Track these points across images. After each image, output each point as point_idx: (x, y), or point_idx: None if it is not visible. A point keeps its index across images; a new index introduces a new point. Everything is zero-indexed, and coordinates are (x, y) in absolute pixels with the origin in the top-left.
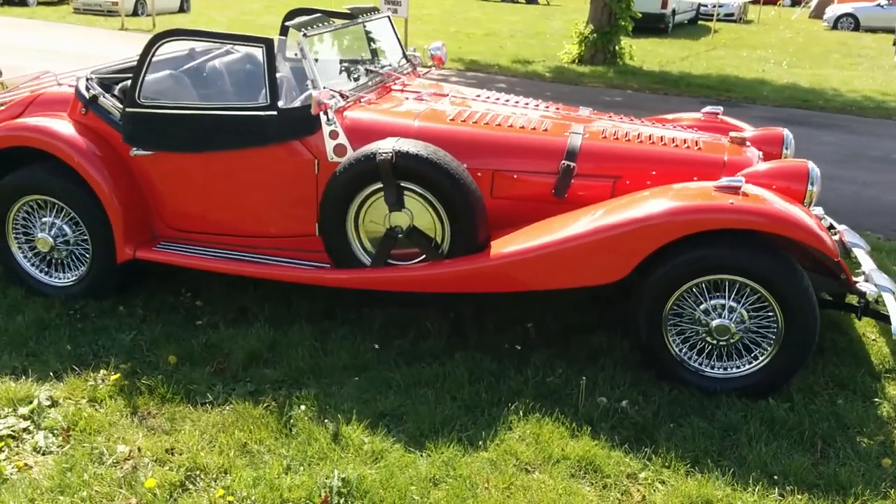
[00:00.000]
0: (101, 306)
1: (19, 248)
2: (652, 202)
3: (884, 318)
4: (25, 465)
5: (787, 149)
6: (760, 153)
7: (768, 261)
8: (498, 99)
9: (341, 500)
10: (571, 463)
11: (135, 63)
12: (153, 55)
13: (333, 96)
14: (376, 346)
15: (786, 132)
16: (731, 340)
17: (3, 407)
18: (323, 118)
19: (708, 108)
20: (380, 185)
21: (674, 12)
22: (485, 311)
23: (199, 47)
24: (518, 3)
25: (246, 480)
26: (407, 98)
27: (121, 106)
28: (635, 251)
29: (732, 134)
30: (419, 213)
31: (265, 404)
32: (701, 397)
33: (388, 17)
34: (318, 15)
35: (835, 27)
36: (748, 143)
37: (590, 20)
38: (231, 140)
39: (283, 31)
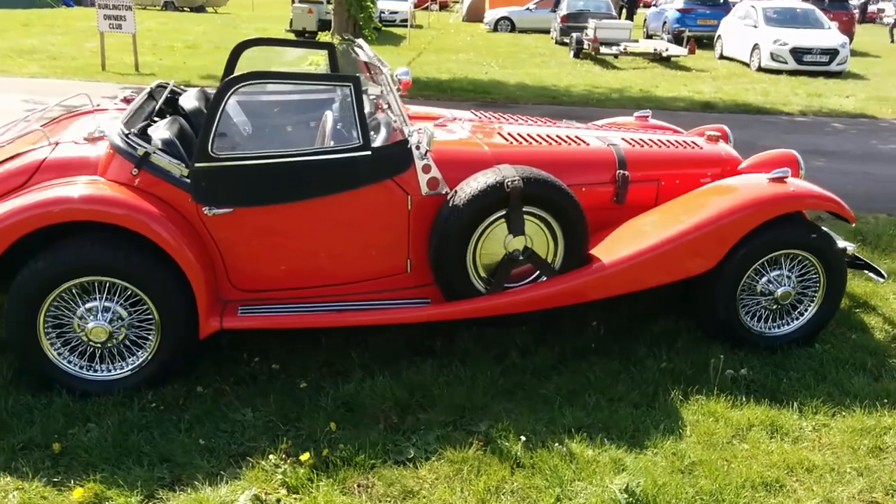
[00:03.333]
0: (174, 393)
1: (51, 344)
2: (732, 196)
3: (866, 267)
4: None
5: (730, 141)
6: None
7: (816, 234)
8: (499, 118)
9: None
10: (759, 428)
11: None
12: (227, 102)
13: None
14: (498, 371)
15: (727, 128)
16: (787, 303)
17: None
18: (416, 153)
19: (639, 113)
20: (501, 214)
21: None
22: (549, 321)
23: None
24: (183, 10)
25: None
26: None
27: (177, 161)
28: (728, 240)
29: (708, 133)
30: (534, 234)
31: (472, 447)
32: (770, 354)
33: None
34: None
35: (495, 29)
36: (721, 140)
37: (335, 31)
38: (323, 186)
39: (230, 66)
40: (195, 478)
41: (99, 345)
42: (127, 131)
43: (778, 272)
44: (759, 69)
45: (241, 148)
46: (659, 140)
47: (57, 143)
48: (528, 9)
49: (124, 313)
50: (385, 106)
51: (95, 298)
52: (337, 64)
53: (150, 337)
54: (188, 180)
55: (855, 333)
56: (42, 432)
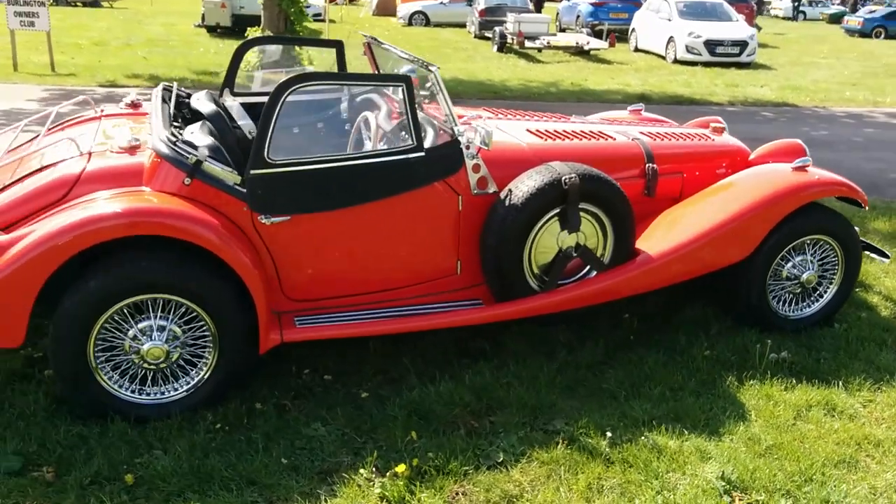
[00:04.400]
0: (236, 412)
1: (101, 368)
2: (766, 186)
3: (868, 248)
4: None
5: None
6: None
7: (836, 219)
8: (515, 115)
9: (738, 495)
10: (817, 408)
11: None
12: (283, 105)
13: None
14: (554, 369)
15: (720, 118)
16: (811, 286)
17: None
18: (467, 153)
19: (632, 106)
20: (556, 212)
21: None
22: (583, 316)
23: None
24: (76, 6)
25: None
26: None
27: (230, 168)
28: (765, 227)
29: (713, 125)
30: (586, 230)
31: (558, 446)
32: (798, 335)
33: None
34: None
35: (410, 24)
36: (726, 130)
37: (265, 26)
38: (379, 189)
39: (233, 66)
40: (289, 499)
41: (153, 366)
42: (174, 138)
43: (802, 257)
44: (676, 61)
45: (292, 153)
46: (675, 133)
47: (90, 153)
48: (442, 3)
49: (179, 331)
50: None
51: (148, 317)
52: (344, 63)
53: (204, 355)
54: (243, 188)
55: (863, 312)
56: (108, 464)
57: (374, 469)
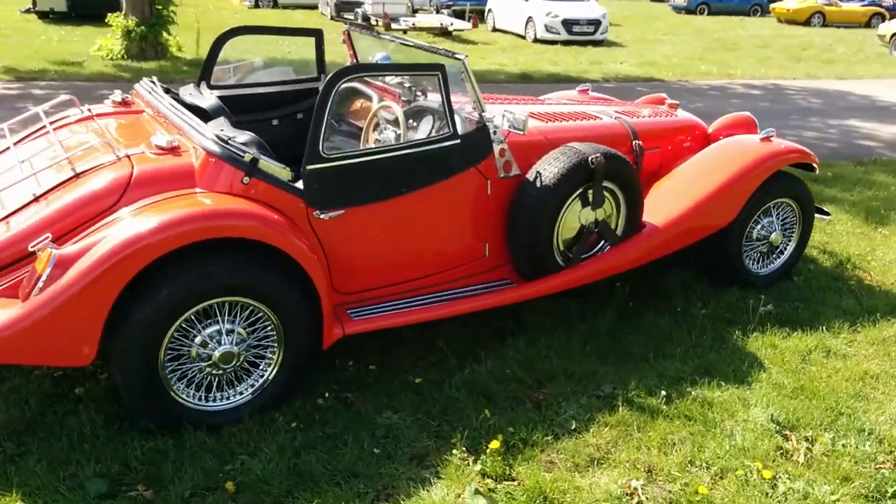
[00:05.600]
0: (305, 409)
1: (169, 377)
2: (744, 156)
3: (815, 209)
4: None
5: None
6: None
7: (797, 182)
8: (495, 99)
9: (790, 434)
10: (818, 352)
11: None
12: (335, 98)
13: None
14: (581, 339)
15: (665, 95)
16: (776, 245)
17: None
18: (495, 137)
19: (580, 87)
20: (580, 191)
21: None
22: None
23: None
24: None
25: (715, 454)
26: None
27: (281, 165)
28: (746, 194)
29: (669, 101)
30: (604, 205)
31: (619, 408)
32: (767, 289)
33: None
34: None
35: (257, 6)
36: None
37: (128, 11)
38: (422, 178)
39: (212, 56)
40: (397, 486)
41: (220, 371)
42: (226, 136)
43: (768, 219)
44: (536, 40)
45: (339, 146)
46: (646, 112)
47: (129, 156)
48: None
49: (244, 333)
50: (421, 96)
51: (215, 322)
52: (323, 52)
53: (267, 355)
54: (298, 184)
55: (810, 265)
56: (202, 475)
57: (463, 448)
